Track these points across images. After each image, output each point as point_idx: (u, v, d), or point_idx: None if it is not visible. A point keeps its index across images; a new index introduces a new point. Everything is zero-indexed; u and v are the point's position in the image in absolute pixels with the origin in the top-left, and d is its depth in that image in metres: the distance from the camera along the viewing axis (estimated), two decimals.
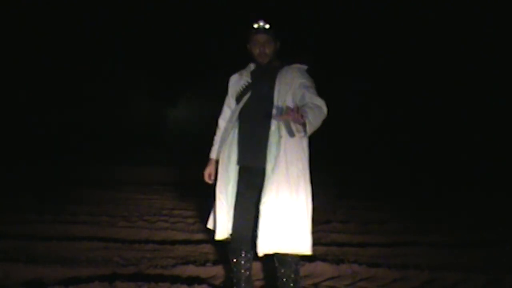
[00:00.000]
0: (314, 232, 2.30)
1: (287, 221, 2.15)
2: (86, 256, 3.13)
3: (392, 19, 11.78)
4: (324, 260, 3.03)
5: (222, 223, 2.28)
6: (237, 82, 2.39)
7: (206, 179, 2.44)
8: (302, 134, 2.01)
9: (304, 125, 1.95)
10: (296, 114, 1.90)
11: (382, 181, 7.58)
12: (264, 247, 2.14)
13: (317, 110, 2.05)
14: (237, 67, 2.44)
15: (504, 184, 6.93)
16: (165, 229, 3.92)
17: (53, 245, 3.26)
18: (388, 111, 11.73)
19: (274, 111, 2.13)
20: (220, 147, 2.35)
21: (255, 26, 2.25)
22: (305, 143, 2.22)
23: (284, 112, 1.99)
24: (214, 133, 2.46)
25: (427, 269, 2.99)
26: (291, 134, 2.02)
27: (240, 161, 2.31)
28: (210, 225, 2.39)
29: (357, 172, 8.03)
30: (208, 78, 13.28)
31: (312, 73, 2.29)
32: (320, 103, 2.11)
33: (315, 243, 2.28)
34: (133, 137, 12.09)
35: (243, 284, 2.38)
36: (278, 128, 2.16)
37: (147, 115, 13.50)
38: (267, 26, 2.24)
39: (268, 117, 2.18)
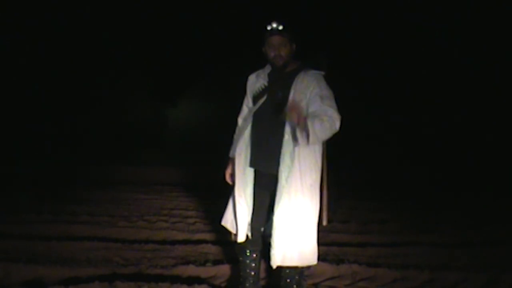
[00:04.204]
0: None
1: (299, 234, 2.17)
2: (86, 256, 3.13)
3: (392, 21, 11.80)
4: (324, 260, 3.02)
5: (243, 226, 2.29)
6: (254, 83, 2.37)
7: (228, 179, 2.44)
8: (304, 141, 2.03)
9: (307, 133, 1.99)
10: (300, 118, 1.95)
11: (382, 181, 7.57)
12: (278, 260, 2.17)
13: (328, 124, 2.06)
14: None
15: (504, 184, 6.93)
16: (165, 229, 3.91)
17: (53, 245, 3.26)
18: (388, 111, 11.73)
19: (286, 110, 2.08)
20: (236, 146, 2.35)
21: (269, 27, 2.20)
22: (318, 154, 2.22)
23: (290, 107, 2.01)
24: (233, 132, 2.46)
25: (427, 269, 2.99)
26: (296, 139, 2.04)
27: (253, 164, 2.31)
28: (227, 224, 2.40)
29: (357, 172, 8.02)
30: (208, 79, 13.29)
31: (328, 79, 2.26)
32: (333, 116, 2.10)
33: None
34: (133, 137, 12.07)
35: (247, 284, 2.38)
36: (292, 138, 2.15)
37: (147, 116, 13.48)
38: (280, 27, 2.18)
39: (281, 125, 2.17)
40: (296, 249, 2.16)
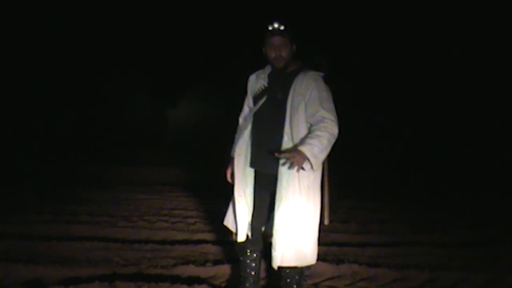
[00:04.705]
0: None
1: (299, 235, 2.17)
2: (86, 256, 3.13)
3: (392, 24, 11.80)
4: (324, 260, 3.03)
5: (244, 225, 2.30)
6: (254, 84, 2.37)
7: (228, 179, 2.44)
8: (308, 167, 2.08)
9: (310, 162, 2.05)
10: (297, 158, 2.01)
11: (383, 181, 7.58)
12: (280, 261, 2.17)
13: (325, 139, 2.08)
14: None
15: (504, 184, 6.93)
16: (165, 229, 3.91)
17: (53, 245, 3.26)
18: (388, 111, 11.73)
19: (276, 154, 2.10)
20: (236, 146, 2.35)
21: (270, 28, 2.18)
22: None
23: (285, 155, 2.07)
24: (234, 132, 2.46)
25: (427, 269, 2.99)
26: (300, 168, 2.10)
27: (253, 164, 2.32)
28: (228, 224, 2.41)
29: (357, 172, 8.02)
30: (208, 79, 13.29)
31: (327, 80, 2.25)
32: (330, 122, 2.12)
33: None
34: (133, 137, 12.08)
35: (247, 284, 2.38)
36: (292, 138, 2.16)
37: (147, 116, 13.49)
38: (282, 27, 2.17)
39: (281, 125, 2.18)
40: (296, 249, 2.17)
